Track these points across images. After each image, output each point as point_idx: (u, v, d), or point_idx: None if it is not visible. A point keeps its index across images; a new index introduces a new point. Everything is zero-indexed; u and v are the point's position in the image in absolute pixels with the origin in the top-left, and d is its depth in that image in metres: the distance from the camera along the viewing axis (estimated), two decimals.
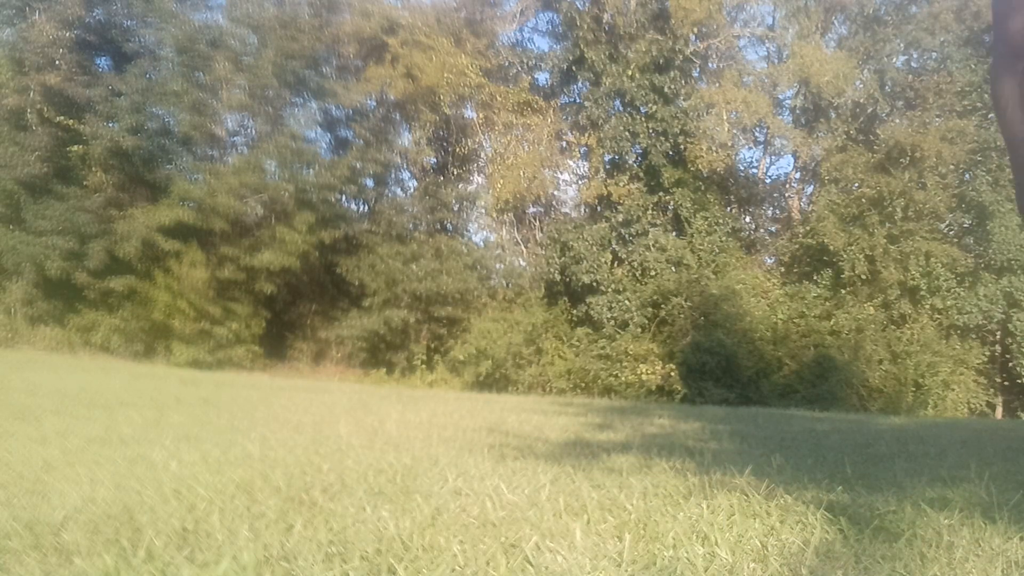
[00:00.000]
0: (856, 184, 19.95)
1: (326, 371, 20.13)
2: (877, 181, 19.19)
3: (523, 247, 22.22)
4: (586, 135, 20.89)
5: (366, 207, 23.13)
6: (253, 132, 21.51)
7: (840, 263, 19.32)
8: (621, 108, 20.58)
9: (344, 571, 1.32)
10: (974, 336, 19.43)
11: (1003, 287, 18.88)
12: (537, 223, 22.38)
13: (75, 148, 18.60)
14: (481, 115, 21.82)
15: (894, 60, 21.40)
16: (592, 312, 19.42)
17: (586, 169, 22.31)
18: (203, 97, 19.53)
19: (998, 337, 19.54)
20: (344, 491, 2.00)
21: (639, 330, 19.21)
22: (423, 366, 20.02)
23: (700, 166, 19.87)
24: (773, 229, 24.23)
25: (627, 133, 19.78)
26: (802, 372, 18.51)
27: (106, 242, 18.15)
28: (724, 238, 20.19)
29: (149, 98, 19.28)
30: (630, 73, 19.58)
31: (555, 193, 22.81)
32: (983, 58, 19.74)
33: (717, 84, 21.48)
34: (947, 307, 18.97)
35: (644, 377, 18.31)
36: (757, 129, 22.59)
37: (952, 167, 19.28)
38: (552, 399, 13.88)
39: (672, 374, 18.41)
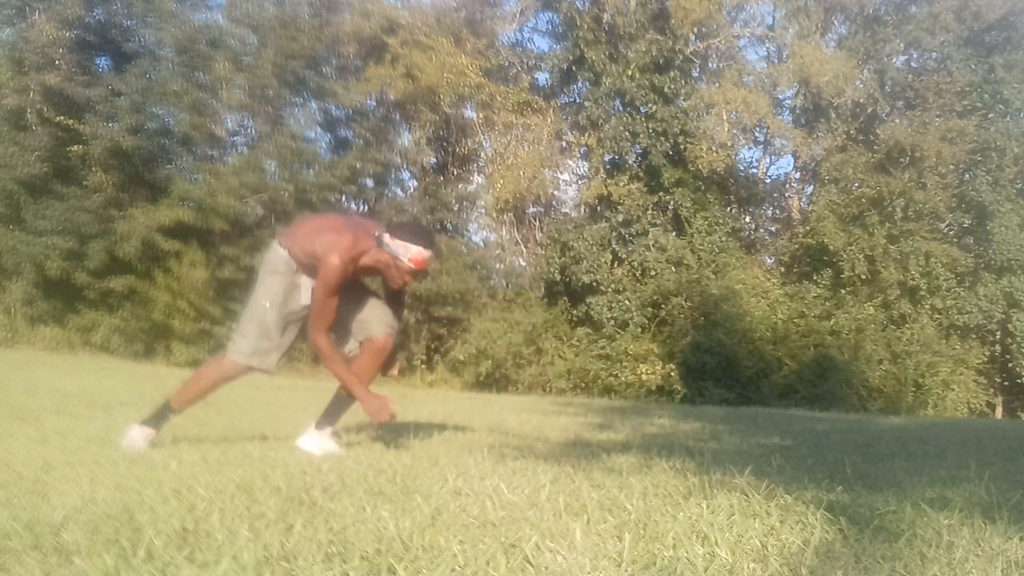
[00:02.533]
0: (856, 184, 19.97)
1: (326, 371, 20.10)
2: (877, 181, 19.21)
3: (523, 247, 22.22)
4: (586, 135, 20.91)
5: (366, 207, 23.13)
6: (253, 132, 21.52)
7: (840, 263, 19.33)
8: (621, 108, 20.60)
9: (344, 571, 1.32)
10: (974, 336, 19.45)
11: (1003, 287, 18.89)
12: (537, 223, 22.38)
13: (75, 148, 18.58)
14: (481, 115, 21.84)
15: (894, 60, 21.42)
16: (592, 312, 19.42)
17: (586, 169, 22.34)
18: (203, 97, 19.53)
19: (998, 337, 19.55)
20: (344, 491, 2.00)
21: (639, 330, 19.21)
22: (423, 366, 20.02)
23: (700, 166, 19.89)
24: (773, 229, 24.26)
25: (627, 133, 19.79)
26: (802, 372, 18.52)
27: (106, 242, 18.14)
28: (724, 238, 20.20)
29: (149, 98, 19.27)
30: (630, 73, 19.59)
31: (555, 193, 22.85)
32: (983, 58, 19.77)
33: (717, 84, 21.50)
34: (947, 307, 18.99)
35: (644, 377, 18.32)
36: (757, 129, 22.61)
37: (952, 167, 19.31)
38: (552, 399, 13.89)
39: (672, 374, 18.42)
